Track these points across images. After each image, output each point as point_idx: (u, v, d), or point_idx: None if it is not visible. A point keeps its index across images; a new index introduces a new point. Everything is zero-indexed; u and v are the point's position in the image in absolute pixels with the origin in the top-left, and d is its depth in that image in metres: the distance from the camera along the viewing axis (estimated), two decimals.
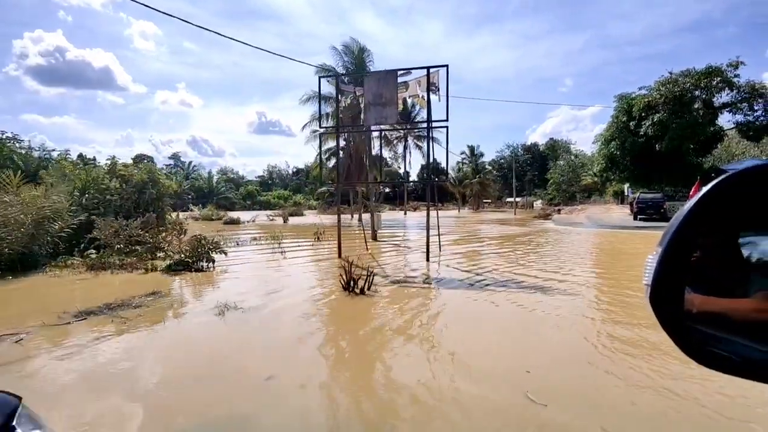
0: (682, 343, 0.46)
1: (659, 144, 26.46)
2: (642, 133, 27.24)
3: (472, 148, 63.69)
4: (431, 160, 11.50)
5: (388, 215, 44.41)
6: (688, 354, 0.46)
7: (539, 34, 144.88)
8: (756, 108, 25.98)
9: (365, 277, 6.81)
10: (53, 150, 43.24)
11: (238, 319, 5.29)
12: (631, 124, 28.28)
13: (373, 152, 38.95)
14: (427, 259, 10.31)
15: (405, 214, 46.83)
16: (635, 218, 25.26)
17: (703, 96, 27.13)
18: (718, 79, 26.40)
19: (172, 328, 5.04)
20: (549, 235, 17.95)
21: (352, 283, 6.73)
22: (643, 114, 27.42)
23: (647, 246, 13.10)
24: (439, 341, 4.47)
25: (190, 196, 68.17)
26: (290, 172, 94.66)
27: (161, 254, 10.46)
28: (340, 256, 11.00)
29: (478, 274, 8.49)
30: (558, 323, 5.13)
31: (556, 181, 64.91)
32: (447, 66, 9.84)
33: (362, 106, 10.48)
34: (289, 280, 8.19)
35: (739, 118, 26.74)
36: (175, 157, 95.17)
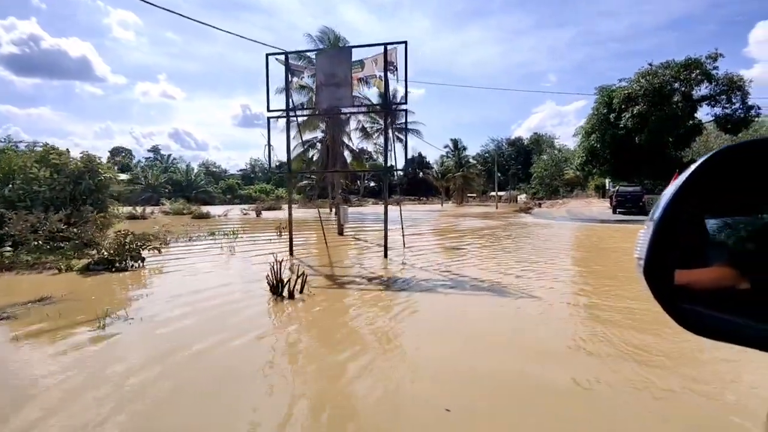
0: (673, 312, 0.48)
1: (639, 137, 26.07)
2: (622, 125, 26.81)
3: (455, 142, 62.89)
4: (388, 150, 10.54)
5: (369, 209, 43.57)
6: (678, 322, 0.48)
7: (526, 29, 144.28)
8: (734, 101, 25.78)
9: (297, 279, 5.87)
10: (20, 141, 40.64)
11: (116, 335, 4.29)
12: (611, 116, 27.82)
13: (354, 144, 37.79)
14: (385, 256, 9.41)
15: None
16: (614, 212, 24.91)
17: (683, 89, 26.83)
18: (697, 71, 26.10)
19: (19, 350, 4.01)
20: (524, 229, 17.27)
21: (280, 286, 5.77)
22: (623, 106, 26.97)
23: (623, 241, 12.48)
24: (350, 362, 3.56)
25: (167, 190, 65.94)
26: (274, 165, 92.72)
27: (93, 252, 9.30)
28: (291, 253, 10.03)
29: (435, 273, 7.63)
30: (503, 337, 4.29)
31: (539, 175, 64.93)
32: (406, 43, 8.88)
33: (314, 87, 9.46)
34: (219, 280, 7.17)
35: (718, 111, 26.56)
36: (155, 149, 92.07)
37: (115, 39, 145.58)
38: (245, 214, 32.90)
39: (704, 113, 27.42)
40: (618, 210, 24.58)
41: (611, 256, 9.87)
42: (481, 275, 7.37)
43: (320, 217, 12.64)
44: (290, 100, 9.78)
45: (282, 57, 9.62)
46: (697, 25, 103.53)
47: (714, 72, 25.90)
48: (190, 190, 69.42)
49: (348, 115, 36.75)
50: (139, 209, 30.56)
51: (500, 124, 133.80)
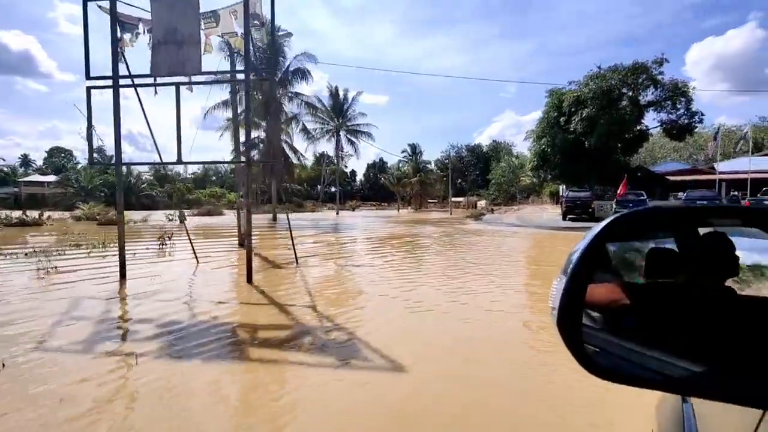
0: (583, 361, 0.51)
1: (588, 140, 25.20)
2: (572, 129, 25.90)
3: (413, 147, 61.25)
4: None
5: (319, 215, 40.70)
6: (587, 369, 0.51)
7: (487, 40, 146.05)
8: (679, 106, 25.48)
9: None
10: None
11: None
12: (561, 120, 26.90)
13: (299, 144, 35.05)
14: (249, 281, 6.86)
15: (337, 213, 43.31)
16: (564, 218, 23.67)
17: (630, 93, 26.36)
18: (644, 76, 25.63)
19: None
20: (461, 238, 15.29)
21: None
22: (572, 109, 26.09)
23: (566, 253, 10.70)
24: None
25: (103, 193, 60.32)
26: (229, 168, 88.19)
27: None
28: (123, 276, 7.26)
29: (290, 315, 5.19)
30: None
31: (497, 182, 65.09)
32: None
33: (150, 46, 6.83)
34: None
35: (664, 116, 26.23)
36: (99, 150, 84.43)
37: (62, 34, 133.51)
38: (170, 220, 29.20)
39: (651, 119, 27.13)
40: (568, 216, 23.36)
41: (549, 277, 7.86)
42: (354, 318, 5.02)
43: (185, 225, 9.91)
44: (122, 64, 7.08)
45: (107, 4, 6.93)
46: (644, 44, 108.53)
47: (660, 77, 25.54)
48: (131, 194, 64.00)
49: (291, 114, 34.10)
50: (33, 213, 26.05)
51: (462, 133, 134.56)
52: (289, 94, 29.54)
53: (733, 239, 0.60)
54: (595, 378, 0.51)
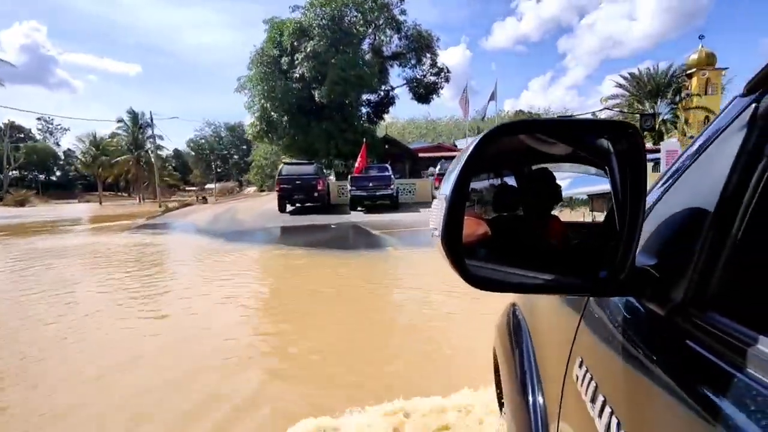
0: (463, 273, 0.54)
1: (319, 92, 17.03)
2: (298, 75, 17.22)
3: (134, 115, 41.82)
4: None
5: None
6: (467, 281, 0.54)
7: (257, 21, 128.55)
8: (424, 60, 20.41)
9: None
10: None
11: None
12: (283, 60, 17.85)
13: None
14: None
15: None
16: (282, 209, 14.69)
17: (372, 40, 19.81)
18: (386, 14, 19.25)
19: None
20: None
21: None
22: (295, 44, 17.36)
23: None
24: None
25: None
26: None
27: None
28: None
29: None
30: None
31: (258, 165, 53.81)
32: None
33: None
34: None
35: (409, 72, 20.86)
36: None
37: None
38: None
39: (396, 75, 21.53)
40: (286, 206, 14.50)
41: None
42: None
43: None
44: None
45: None
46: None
47: (403, 19, 19.74)
48: None
49: None
50: None
51: (233, 117, 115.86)
52: None
53: (555, 173, 0.70)
54: None
